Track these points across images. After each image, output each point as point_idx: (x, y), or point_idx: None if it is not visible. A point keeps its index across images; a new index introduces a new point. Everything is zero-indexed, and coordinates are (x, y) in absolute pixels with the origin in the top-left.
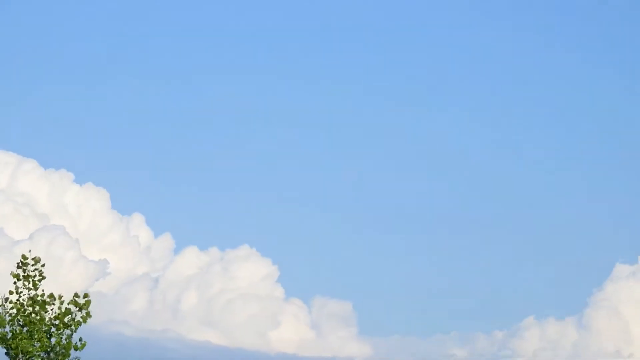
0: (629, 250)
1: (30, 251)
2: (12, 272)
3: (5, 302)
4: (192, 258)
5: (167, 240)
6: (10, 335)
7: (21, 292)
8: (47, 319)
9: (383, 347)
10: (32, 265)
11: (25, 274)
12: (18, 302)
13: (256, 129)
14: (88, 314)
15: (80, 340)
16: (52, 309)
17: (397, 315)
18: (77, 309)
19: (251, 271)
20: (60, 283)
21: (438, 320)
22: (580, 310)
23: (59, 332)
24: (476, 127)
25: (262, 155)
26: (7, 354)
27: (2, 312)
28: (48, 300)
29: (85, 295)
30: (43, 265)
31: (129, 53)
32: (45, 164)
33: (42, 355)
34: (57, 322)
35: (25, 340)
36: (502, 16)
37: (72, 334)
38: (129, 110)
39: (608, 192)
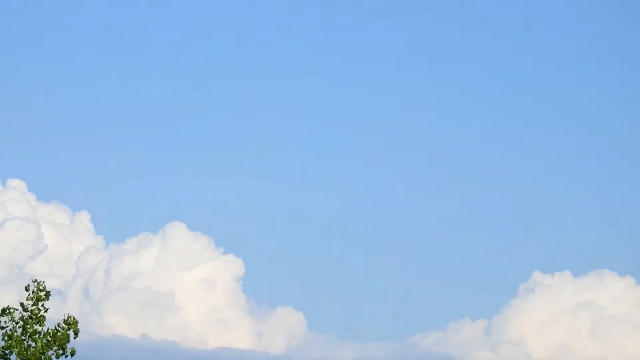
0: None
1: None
2: (21, 302)
3: (4, 314)
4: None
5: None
6: (7, 344)
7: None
8: (43, 332)
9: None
10: (40, 290)
11: (33, 298)
12: (20, 318)
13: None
14: (75, 332)
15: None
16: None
17: (337, 318)
18: (67, 327)
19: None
20: None
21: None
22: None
23: (53, 349)
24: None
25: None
26: None
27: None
28: (44, 296)
29: (74, 321)
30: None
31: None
32: None
33: None
34: (49, 338)
35: (22, 352)
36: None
37: (63, 354)
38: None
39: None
